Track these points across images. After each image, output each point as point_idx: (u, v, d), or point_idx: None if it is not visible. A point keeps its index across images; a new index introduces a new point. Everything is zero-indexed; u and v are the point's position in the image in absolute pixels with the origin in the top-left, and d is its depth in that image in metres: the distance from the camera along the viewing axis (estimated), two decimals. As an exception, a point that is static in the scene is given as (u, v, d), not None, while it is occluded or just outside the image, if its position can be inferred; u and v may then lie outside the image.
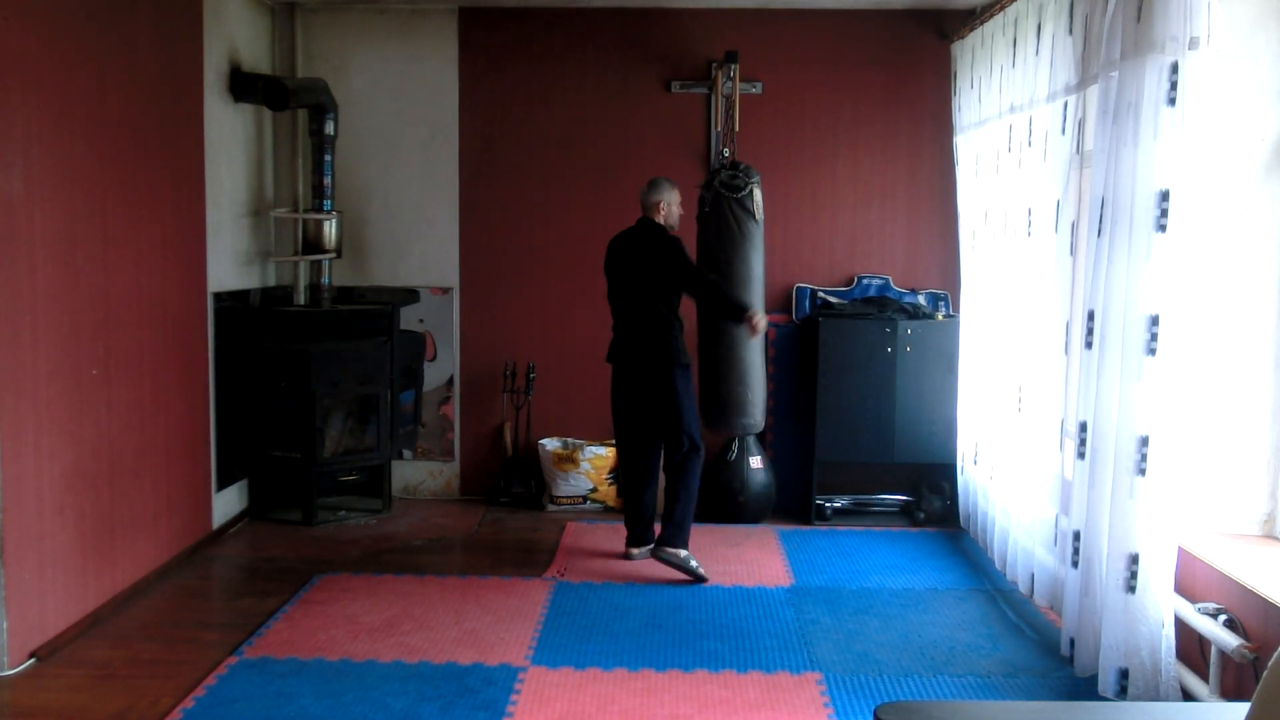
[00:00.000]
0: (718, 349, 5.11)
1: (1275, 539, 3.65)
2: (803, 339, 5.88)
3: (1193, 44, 3.16)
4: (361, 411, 5.74)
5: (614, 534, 5.42)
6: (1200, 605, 3.37)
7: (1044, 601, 4.31)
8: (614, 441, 5.17)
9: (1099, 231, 3.53)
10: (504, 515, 5.80)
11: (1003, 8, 4.79)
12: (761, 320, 4.74)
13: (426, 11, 5.97)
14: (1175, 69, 3.19)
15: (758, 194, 5.15)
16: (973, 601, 4.51)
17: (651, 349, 4.79)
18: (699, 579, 4.68)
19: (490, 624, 4.17)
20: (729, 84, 5.65)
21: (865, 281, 5.99)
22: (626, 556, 5.00)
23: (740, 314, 4.76)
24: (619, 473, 5.38)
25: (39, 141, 3.73)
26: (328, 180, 5.70)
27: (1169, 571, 3.34)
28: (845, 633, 4.14)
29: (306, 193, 5.82)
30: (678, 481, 4.82)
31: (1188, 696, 3.33)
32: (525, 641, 3.99)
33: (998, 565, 4.83)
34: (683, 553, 4.75)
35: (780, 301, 6.00)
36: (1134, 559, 3.35)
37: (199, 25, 5.00)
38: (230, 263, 5.39)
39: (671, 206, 4.87)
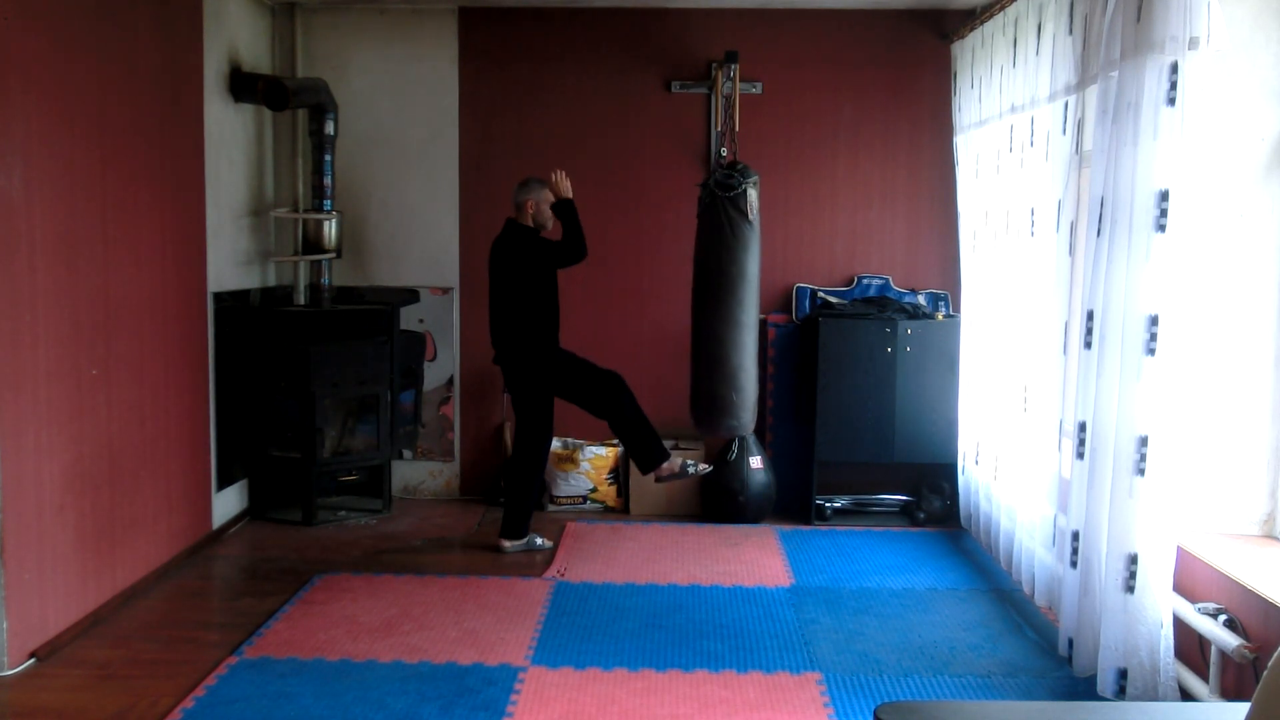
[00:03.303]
0: (707, 350, 5.05)
1: (1275, 539, 3.65)
2: (803, 339, 5.87)
3: (1192, 44, 3.16)
4: (361, 411, 5.74)
5: (614, 534, 5.43)
6: (1200, 605, 3.37)
7: (1044, 601, 4.31)
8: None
9: (1098, 231, 3.53)
10: (504, 515, 5.80)
11: (1003, 8, 4.79)
12: (564, 185, 5.00)
13: (426, 11, 5.97)
14: (1175, 69, 3.18)
15: (752, 194, 5.06)
16: (972, 601, 4.51)
17: (524, 347, 5.02)
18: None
19: (490, 624, 4.17)
20: (729, 84, 5.65)
21: (865, 281, 5.99)
22: (501, 550, 5.15)
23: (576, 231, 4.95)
24: (522, 465, 5.22)
25: (39, 141, 3.73)
26: (328, 180, 5.70)
27: (1168, 571, 3.33)
28: (845, 633, 4.14)
29: (306, 193, 5.82)
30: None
31: (1187, 696, 3.33)
32: (525, 641, 3.99)
33: (1002, 565, 4.83)
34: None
35: (780, 301, 6.00)
36: (1133, 559, 3.35)
37: (199, 25, 5.00)
38: (230, 263, 5.39)
39: (540, 205, 5.00)
